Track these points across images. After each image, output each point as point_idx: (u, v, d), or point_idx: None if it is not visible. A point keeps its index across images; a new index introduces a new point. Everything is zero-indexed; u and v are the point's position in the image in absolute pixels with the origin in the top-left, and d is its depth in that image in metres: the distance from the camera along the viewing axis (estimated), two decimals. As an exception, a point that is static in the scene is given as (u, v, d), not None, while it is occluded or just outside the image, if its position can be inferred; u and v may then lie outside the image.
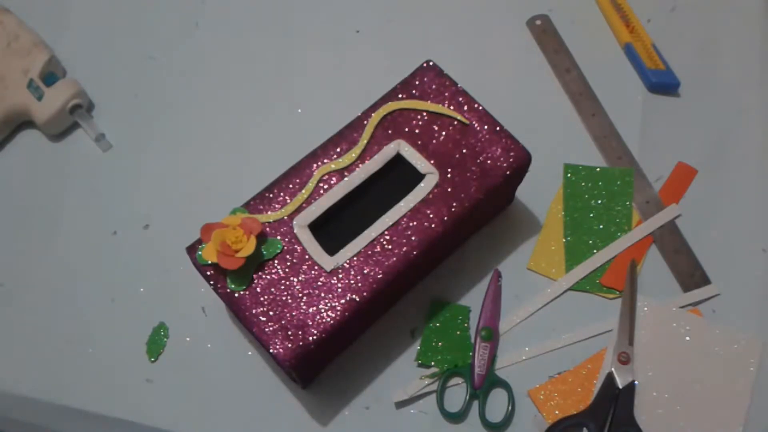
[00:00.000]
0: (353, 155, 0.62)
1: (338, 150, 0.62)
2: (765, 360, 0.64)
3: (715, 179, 0.72)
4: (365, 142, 0.62)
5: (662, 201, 0.71)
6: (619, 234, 0.69)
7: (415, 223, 0.60)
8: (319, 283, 0.58)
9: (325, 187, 0.61)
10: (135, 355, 0.67)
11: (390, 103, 0.64)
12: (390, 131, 0.63)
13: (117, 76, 0.80)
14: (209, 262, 0.58)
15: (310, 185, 0.61)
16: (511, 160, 0.61)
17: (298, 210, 0.60)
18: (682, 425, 0.62)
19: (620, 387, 0.62)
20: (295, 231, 0.60)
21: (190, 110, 0.78)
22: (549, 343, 0.66)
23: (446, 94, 0.64)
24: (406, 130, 0.63)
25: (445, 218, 0.60)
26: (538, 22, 0.80)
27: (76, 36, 0.82)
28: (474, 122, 0.63)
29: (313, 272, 0.58)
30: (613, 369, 0.63)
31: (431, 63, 0.65)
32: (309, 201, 0.61)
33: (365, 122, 0.63)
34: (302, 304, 0.57)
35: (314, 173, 0.61)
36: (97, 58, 0.81)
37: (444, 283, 0.68)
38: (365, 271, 0.58)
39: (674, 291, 0.67)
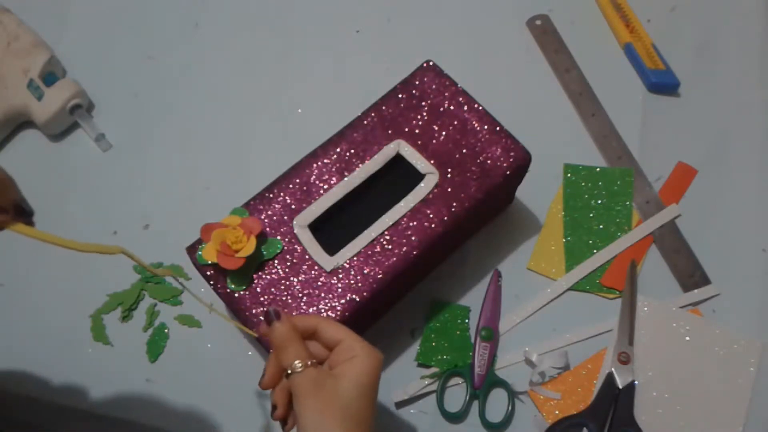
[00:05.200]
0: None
1: (338, 150, 0.62)
2: (765, 360, 0.64)
3: (715, 179, 0.72)
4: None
5: (662, 201, 0.71)
6: (619, 234, 0.69)
7: (415, 223, 0.60)
8: (319, 283, 0.58)
9: (325, 187, 0.61)
10: (135, 355, 0.67)
11: (390, 103, 0.64)
12: (390, 131, 0.63)
13: (117, 76, 0.80)
14: (209, 262, 0.58)
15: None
16: (511, 160, 0.61)
17: (298, 210, 0.60)
18: (682, 425, 0.62)
19: (620, 387, 0.62)
20: (295, 231, 0.60)
21: (190, 110, 0.78)
22: (549, 343, 0.66)
23: (446, 94, 0.64)
24: (406, 130, 0.63)
25: (445, 218, 0.60)
26: (538, 22, 0.80)
27: (76, 36, 0.82)
28: (474, 122, 0.63)
29: (313, 272, 0.58)
30: (613, 369, 0.63)
31: (431, 63, 0.65)
32: (309, 201, 0.61)
33: (365, 122, 0.63)
34: (302, 304, 0.57)
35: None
36: (97, 58, 0.81)
37: (444, 283, 0.68)
38: (365, 271, 0.58)
39: (674, 291, 0.67)
